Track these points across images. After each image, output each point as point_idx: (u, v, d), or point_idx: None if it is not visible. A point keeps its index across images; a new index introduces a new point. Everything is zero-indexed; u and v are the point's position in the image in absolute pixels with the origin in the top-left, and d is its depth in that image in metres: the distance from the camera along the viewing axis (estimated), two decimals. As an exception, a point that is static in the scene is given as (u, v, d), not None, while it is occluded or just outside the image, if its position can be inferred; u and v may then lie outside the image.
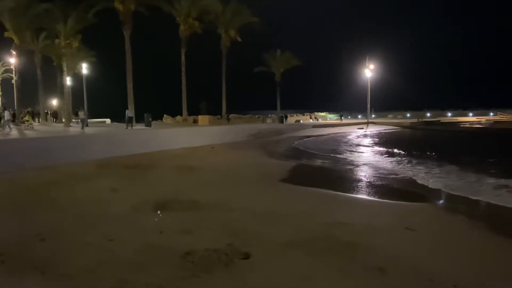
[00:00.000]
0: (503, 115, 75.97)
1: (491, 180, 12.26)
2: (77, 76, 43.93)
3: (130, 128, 28.96)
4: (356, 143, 31.15)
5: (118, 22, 33.71)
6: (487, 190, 10.96)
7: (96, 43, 46.01)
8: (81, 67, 38.37)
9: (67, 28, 32.02)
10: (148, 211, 7.88)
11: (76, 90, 44.78)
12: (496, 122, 65.64)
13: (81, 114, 30.26)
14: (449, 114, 79.47)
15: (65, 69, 33.95)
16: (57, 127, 33.01)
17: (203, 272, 4.73)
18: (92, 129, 28.92)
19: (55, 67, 39.95)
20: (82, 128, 28.02)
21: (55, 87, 43.46)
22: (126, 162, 15.24)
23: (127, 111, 30.93)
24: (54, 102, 52.01)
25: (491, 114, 78.99)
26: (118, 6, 32.59)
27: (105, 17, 34.35)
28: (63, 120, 36.41)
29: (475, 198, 10.04)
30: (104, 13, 33.46)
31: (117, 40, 35.85)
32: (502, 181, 11.92)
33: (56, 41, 33.84)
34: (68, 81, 36.36)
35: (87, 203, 8.61)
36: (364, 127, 51.91)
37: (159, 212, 7.88)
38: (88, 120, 37.51)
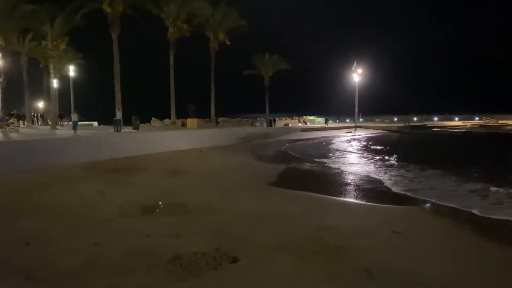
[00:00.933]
0: (488, 120, 77.23)
1: (469, 185, 12.32)
2: (64, 78, 43.50)
3: (117, 131, 28.59)
4: (344, 147, 31.35)
5: (106, 24, 33.44)
6: (461, 195, 10.99)
7: (84, 45, 45.60)
8: (68, 69, 37.96)
9: (54, 30, 31.67)
10: (136, 215, 7.82)
11: (63, 92, 44.38)
12: (481, 126, 66.66)
13: (74, 116, 29.95)
14: (436, 119, 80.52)
15: (51, 71, 33.57)
16: (43, 130, 32.57)
17: (191, 276, 4.70)
18: (79, 132, 28.59)
19: (42, 69, 39.46)
20: (75, 131, 27.83)
21: (41, 89, 42.91)
22: (113, 165, 15.11)
23: (117, 113, 30.47)
24: (40, 104, 51.40)
25: (476, 118, 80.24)
26: (106, 8, 32.27)
27: (93, 19, 34.06)
28: (49, 122, 35.97)
29: (448, 204, 10.02)
30: (92, 15, 33.18)
31: (105, 42, 35.55)
32: (479, 186, 12.04)
33: (43, 42, 33.43)
34: (54, 83, 35.94)
35: (73, 206, 8.50)
36: (352, 131, 52.28)
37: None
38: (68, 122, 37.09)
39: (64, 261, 5.21)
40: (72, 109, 36.02)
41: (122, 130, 29.39)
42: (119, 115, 30.20)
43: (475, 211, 9.08)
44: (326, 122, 66.74)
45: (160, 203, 8.26)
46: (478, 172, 15.29)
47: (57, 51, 32.96)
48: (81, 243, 5.91)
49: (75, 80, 44.41)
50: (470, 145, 33.97)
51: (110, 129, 31.25)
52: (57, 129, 33.05)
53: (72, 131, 26.73)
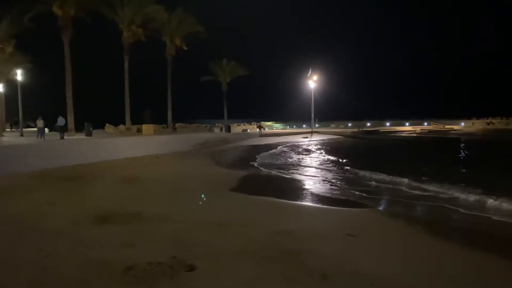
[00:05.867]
0: (436, 124, 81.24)
1: (417, 187, 12.96)
2: (11, 83, 41.39)
3: (61, 138, 27.25)
4: (301, 151, 31.88)
5: (58, 27, 32.21)
6: (410, 197, 11.56)
7: (34, 49, 43.65)
8: (15, 74, 36.17)
9: (-1, 32, 30.20)
10: (88, 225, 7.54)
11: (11, 97, 42.15)
12: (429, 131, 69.94)
13: (40, 123, 28.48)
14: (388, 124, 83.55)
15: (-3, 75, 31.93)
16: (-13, 137, 30.81)
17: (146, 286, 4.59)
18: (28, 139, 27.29)
19: (-14, 73, 37.40)
20: (42, 138, 26.57)
21: (-14, 94, 40.54)
22: (64, 173, 14.52)
23: (59, 119, 28.97)
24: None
25: (425, 123, 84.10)
26: (57, 10, 31.10)
27: (43, 22, 32.78)
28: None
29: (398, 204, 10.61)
30: (42, 17, 31.91)
31: (56, 46, 34.27)
32: (429, 188, 12.68)
33: (-13, 45, 31.80)
34: (0, 88, 34.22)
35: (21, 217, 8.08)
36: (309, 136, 53.21)
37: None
38: (24, 129, 35.39)
39: (11, 275, 4.93)
40: (20, 115, 34.28)
41: (74, 137, 28.35)
42: (61, 121, 28.87)
43: (428, 212, 9.54)
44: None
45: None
46: (426, 174, 15.97)
47: (3, 54, 31.45)
48: (30, 256, 5.62)
49: (24, 84, 42.35)
50: (418, 149, 35.52)
51: (57, 135, 28.98)
52: (3, 136, 31.43)
53: (35, 138, 25.76)
